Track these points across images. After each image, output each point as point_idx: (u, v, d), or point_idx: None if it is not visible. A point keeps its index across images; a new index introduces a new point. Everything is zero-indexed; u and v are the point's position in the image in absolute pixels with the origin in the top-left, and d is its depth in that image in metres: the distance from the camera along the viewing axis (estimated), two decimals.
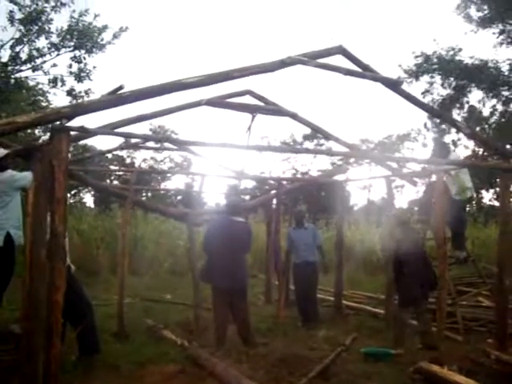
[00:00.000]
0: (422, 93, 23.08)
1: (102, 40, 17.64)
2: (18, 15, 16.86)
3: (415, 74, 22.58)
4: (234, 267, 6.82)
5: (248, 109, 7.35)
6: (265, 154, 39.04)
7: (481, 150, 22.83)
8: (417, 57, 22.30)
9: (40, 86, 18.19)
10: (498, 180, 18.76)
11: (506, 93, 22.18)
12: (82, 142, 19.58)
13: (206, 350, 6.20)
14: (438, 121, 22.72)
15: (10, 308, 7.35)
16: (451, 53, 21.81)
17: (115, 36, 17.80)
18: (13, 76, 17.44)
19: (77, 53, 17.68)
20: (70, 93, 18.02)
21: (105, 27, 17.59)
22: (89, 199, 36.51)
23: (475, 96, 22.87)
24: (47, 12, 16.98)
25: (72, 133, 4.61)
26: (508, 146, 18.78)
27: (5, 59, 17.19)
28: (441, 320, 6.99)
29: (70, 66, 17.87)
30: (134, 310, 8.86)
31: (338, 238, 9.91)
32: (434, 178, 8.27)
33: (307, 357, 6.08)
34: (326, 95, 65.35)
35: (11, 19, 16.80)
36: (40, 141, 13.69)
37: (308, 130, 33.63)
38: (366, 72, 5.91)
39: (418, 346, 6.84)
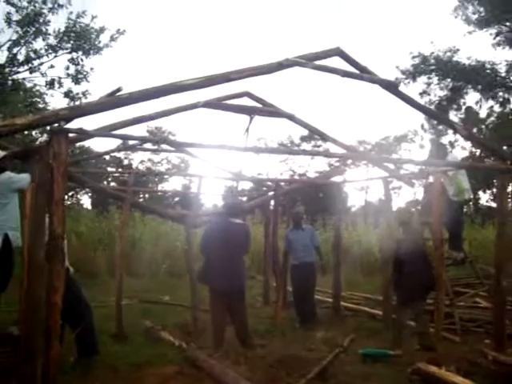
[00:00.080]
0: (420, 93, 23.16)
1: (100, 42, 17.65)
2: (16, 17, 16.90)
3: (412, 74, 22.64)
4: (232, 269, 6.82)
5: (246, 111, 7.37)
6: (262, 156, 39.05)
7: (478, 151, 22.92)
8: (414, 57, 22.36)
9: (37, 88, 18.20)
10: (494, 181, 18.79)
11: (502, 94, 22.26)
12: (78, 144, 19.57)
13: (204, 351, 6.21)
14: (435, 122, 22.76)
15: (8, 310, 7.35)
16: (448, 54, 21.87)
17: (112, 38, 17.81)
18: (10, 78, 17.44)
19: (74, 55, 17.70)
20: (67, 94, 18.02)
21: (102, 29, 17.61)
22: (86, 201, 36.48)
23: (472, 97, 22.94)
24: (44, 14, 16.99)
25: (70, 135, 4.61)
26: (505, 147, 18.83)
27: (2, 61, 17.25)
28: (438, 321, 7.00)
29: (68, 68, 17.90)
30: (132, 312, 8.86)
31: (335, 239, 9.92)
32: (431, 179, 8.30)
33: (305, 358, 6.10)
34: (324, 97, 65.42)
35: (8, 21, 16.82)
36: (37, 142, 13.74)
37: (305, 132, 33.61)
38: (364, 74, 5.92)
39: (415, 347, 6.85)
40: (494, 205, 24.19)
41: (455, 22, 22.55)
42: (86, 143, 22.40)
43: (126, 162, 40.62)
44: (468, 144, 23.85)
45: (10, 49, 17.22)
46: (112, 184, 31.04)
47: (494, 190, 23.93)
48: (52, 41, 17.46)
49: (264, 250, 10.84)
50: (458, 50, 21.87)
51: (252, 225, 14.53)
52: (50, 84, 17.90)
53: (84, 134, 4.98)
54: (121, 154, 39.00)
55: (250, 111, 7.42)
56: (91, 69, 18.06)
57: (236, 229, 7.02)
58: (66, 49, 17.63)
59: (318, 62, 5.59)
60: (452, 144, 24.54)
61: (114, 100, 4.80)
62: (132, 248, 14.36)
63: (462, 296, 9.24)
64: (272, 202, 10.42)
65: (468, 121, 22.26)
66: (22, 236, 6.10)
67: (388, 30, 68.81)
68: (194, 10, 71.37)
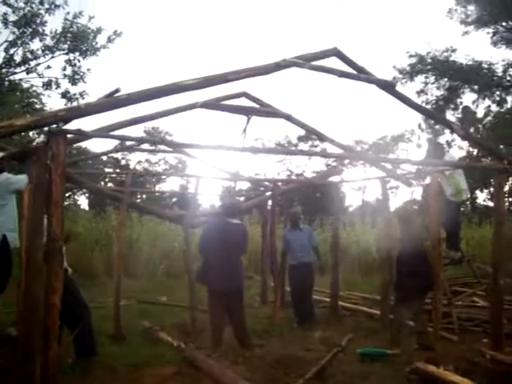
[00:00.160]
0: (417, 92, 23.19)
1: (97, 44, 17.64)
2: (12, 17, 16.87)
3: (410, 74, 22.67)
4: (230, 269, 6.83)
5: (243, 111, 7.38)
6: (260, 156, 39.07)
7: (475, 151, 22.95)
8: (411, 56, 22.38)
9: (34, 88, 18.19)
10: (491, 180, 18.83)
11: (499, 93, 22.30)
12: (76, 145, 19.55)
13: (203, 351, 6.21)
14: (432, 122, 22.79)
15: (6, 311, 7.35)
16: (445, 54, 21.91)
17: (110, 40, 17.79)
18: (7, 78, 17.42)
19: (71, 56, 17.69)
20: (64, 95, 18.00)
21: (99, 30, 17.59)
22: (83, 201, 36.46)
23: (469, 97, 22.99)
24: (41, 14, 16.97)
25: (68, 135, 4.62)
26: (501, 146, 18.88)
27: None
28: (436, 320, 7.02)
29: (64, 69, 17.88)
30: (130, 313, 8.86)
31: (333, 239, 9.92)
32: (428, 179, 8.32)
33: (303, 358, 6.10)
34: (321, 97, 65.42)
35: (5, 21, 16.81)
36: (34, 143, 13.71)
37: (303, 132, 33.63)
38: (361, 74, 5.94)
39: (414, 347, 6.86)
40: (491, 204, 24.27)
41: (451, 22, 22.44)
42: (83, 144, 22.35)
43: (123, 162, 40.60)
44: (465, 144, 23.90)
45: (6, 49, 17.20)
46: (109, 185, 31.06)
47: (491, 189, 24.02)
48: (49, 42, 17.46)
49: (262, 250, 10.86)
50: (454, 49, 21.92)
51: (249, 225, 14.55)
52: (47, 85, 17.88)
53: (82, 135, 4.98)
54: (118, 155, 38.99)
55: (247, 111, 7.43)
56: (88, 69, 18.06)
57: (234, 229, 7.02)
58: (63, 50, 17.61)
59: (315, 63, 5.60)
60: (449, 144, 24.58)
61: (112, 101, 4.81)
62: (129, 249, 14.35)
63: (459, 295, 9.26)
64: (269, 202, 10.43)
65: (465, 120, 22.28)
66: (19, 237, 6.09)
67: (385, 30, 68.87)
68: (191, 10, 71.42)
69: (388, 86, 6.10)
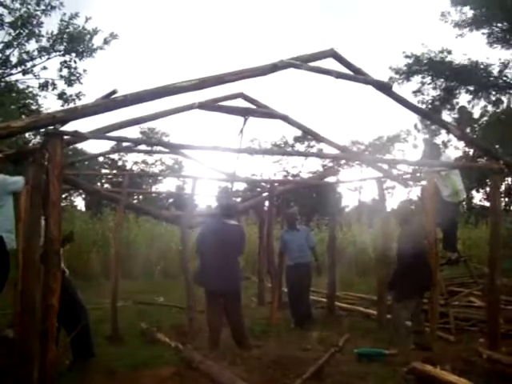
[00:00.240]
0: (413, 92, 23.20)
1: (93, 45, 17.61)
2: (8, 19, 16.83)
3: (406, 74, 22.68)
4: (227, 270, 6.84)
5: (240, 112, 7.38)
6: (256, 157, 39.09)
7: (471, 151, 22.99)
8: (407, 57, 22.39)
9: (30, 89, 18.15)
10: (488, 180, 18.87)
11: (495, 94, 22.34)
12: (72, 146, 19.53)
13: (201, 352, 6.21)
14: (428, 122, 22.82)
15: (3, 312, 7.34)
16: (441, 55, 21.94)
17: (106, 41, 17.77)
18: (3, 79, 17.38)
19: (67, 57, 17.66)
20: (61, 96, 17.96)
21: (95, 31, 17.56)
22: (80, 202, 36.42)
23: (465, 97, 23.02)
24: (38, 15, 16.94)
25: (65, 137, 4.62)
26: (497, 146, 18.92)
27: None
28: (433, 320, 7.05)
29: (61, 70, 17.85)
30: (127, 314, 8.86)
31: (330, 239, 9.95)
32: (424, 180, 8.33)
33: (301, 358, 6.11)
34: (317, 97, 65.45)
35: (1, 22, 16.76)
36: (30, 144, 13.69)
37: (299, 132, 33.66)
38: (357, 75, 5.95)
39: (411, 347, 6.87)
40: (487, 204, 24.30)
41: (446, 25, 22.37)
42: (79, 145, 22.33)
43: (119, 163, 40.57)
44: (461, 144, 23.93)
45: (2, 51, 17.16)
46: (106, 185, 31.04)
47: (487, 189, 24.04)
48: (45, 43, 17.43)
49: (259, 250, 10.87)
50: (450, 51, 21.94)
51: (246, 226, 14.57)
52: (44, 86, 17.85)
53: (79, 137, 4.98)
54: (115, 156, 38.95)
55: (244, 112, 7.44)
56: (84, 70, 18.03)
57: (230, 230, 7.03)
58: (59, 51, 17.58)
59: (312, 64, 5.61)
60: (445, 144, 24.60)
61: (109, 102, 4.81)
62: (126, 250, 14.34)
63: (456, 295, 9.29)
64: (266, 203, 10.44)
65: (461, 121, 22.32)
66: (16, 238, 6.08)
67: (381, 31, 68.98)
68: (188, 11, 71.38)
69: (384, 87, 6.11)
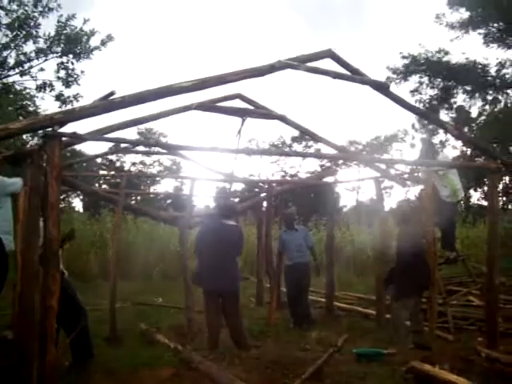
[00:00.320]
0: (411, 91, 23.23)
1: (90, 46, 17.60)
2: (5, 20, 16.83)
3: (403, 74, 22.71)
4: (225, 270, 6.84)
5: (238, 113, 7.39)
6: (254, 157, 39.10)
7: (469, 150, 23.02)
8: (404, 57, 22.42)
9: (28, 91, 18.14)
10: (485, 179, 18.89)
11: (492, 93, 22.37)
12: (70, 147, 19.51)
13: (200, 353, 6.22)
14: (426, 122, 22.85)
15: (2, 313, 7.33)
16: (438, 55, 21.97)
17: (103, 43, 17.77)
18: (0, 81, 17.37)
19: (64, 59, 17.66)
20: (58, 98, 17.95)
21: (93, 32, 17.55)
22: (78, 203, 36.41)
23: (463, 97, 23.03)
24: (35, 17, 16.93)
25: (63, 138, 4.62)
26: (494, 145, 18.96)
27: None
28: (432, 319, 7.05)
29: (58, 71, 17.84)
30: (126, 315, 8.85)
31: (328, 239, 9.96)
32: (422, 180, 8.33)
33: (300, 358, 6.13)
34: (315, 98, 65.48)
35: None
36: (28, 145, 13.68)
37: (297, 133, 33.68)
38: (355, 75, 5.96)
39: (410, 346, 6.88)
40: (485, 203, 24.35)
41: (441, 27, 22.37)
42: (77, 146, 22.31)
43: (117, 164, 40.56)
44: (459, 143, 23.95)
45: None
46: (103, 186, 31.02)
47: (485, 188, 24.08)
48: (42, 45, 17.43)
49: (257, 251, 10.88)
50: (447, 52, 21.98)
51: (245, 226, 14.57)
52: (41, 87, 17.84)
53: (78, 138, 4.98)
54: (112, 156, 38.94)
55: (242, 113, 7.45)
56: (82, 72, 18.04)
57: (229, 230, 7.04)
58: (57, 52, 17.57)
59: (309, 64, 5.62)
60: (443, 143, 24.64)
61: (107, 104, 4.81)
62: (125, 251, 14.32)
63: (454, 294, 9.30)
64: (264, 203, 10.44)
65: (459, 120, 22.36)
66: (14, 240, 6.08)
67: (379, 31, 69.05)
68: (185, 12, 71.39)
69: (382, 88, 6.13)
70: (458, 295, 9.33)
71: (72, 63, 17.73)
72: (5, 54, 17.24)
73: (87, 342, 5.85)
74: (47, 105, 47.10)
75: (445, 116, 23.33)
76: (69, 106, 16.96)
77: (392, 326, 7.40)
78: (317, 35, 61.57)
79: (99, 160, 34.93)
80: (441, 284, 8.03)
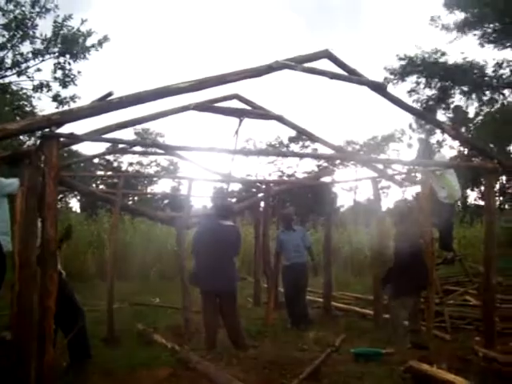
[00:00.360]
0: (408, 91, 23.26)
1: (86, 47, 17.56)
2: (2, 20, 16.79)
3: (401, 74, 22.74)
4: (223, 270, 6.85)
5: (235, 113, 7.39)
6: (251, 157, 39.12)
7: (466, 150, 23.08)
8: (401, 59, 22.45)
9: (24, 91, 18.10)
10: (482, 179, 18.95)
11: (489, 93, 22.43)
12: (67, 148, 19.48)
13: (197, 353, 6.22)
14: (423, 122, 22.89)
15: (0, 314, 7.32)
16: (434, 56, 22.01)
17: (99, 43, 17.73)
18: None
19: (61, 59, 17.62)
20: (55, 98, 17.91)
21: (90, 33, 17.51)
22: (75, 204, 36.37)
23: (460, 97, 23.08)
24: (32, 17, 16.89)
25: (61, 139, 4.61)
26: (491, 145, 19.01)
27: None
28: (429, 319, 7.06)
29: (55, 72, 17.80)
30: (124, 315, 8.84)
31: (325, 239, 9.97)
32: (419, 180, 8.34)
33: (298, 358, 6.13)
34: (312, 98, 65.52)
35: None
36: (25, 146, 13.66)
37: (294, 133, 33.68)
38: (352, 75, 5.97)
39: (407, 346, 6.89)
40: (482, 203, 24.40)
41: (436, 29, 22.38)
42: (75, 146, 22.29)
43: (114, 164, 40.51)
44: (456, 143, 24.02)
45: None
46: (101, 187, 30.99)
47: (482, 188, 24.15)
48: (39, 45, 17.38)
49: (254, 251, 10.88)
50: (444, 53, 22.01)
51: (242, 226, 14.58)
52: (38, 88, 17.80)
53: (75, 139, 4.98)
54: (110, 157, 38.90)
55: (239, 113, 7.45)
56: (79, 72, 17.99)
57: (226, 230, 7.04)
58: (54, 53, 17.54)
59: (306, 65, 5.62)
60: (440, 143, 24.70)
61: (105, 104, 4.80)
62: (122, 251, 14.32)
63: (451, 294, 9.32)
64: (262, 204, 10.45)
65: (456, 120, 22.42)
66: (12, 240, 6.07)
67: (376, 32, 69.11)
68: (183, 13, 71.34)
69: (379, 88, 6.13)
70: (455, 295, 9.36)
71: (69, 64, 17.67)
72: (1, 54, 17.18)
73: (85, 343, 5.85)
74: (44, 105, 47.05)
75: (442, 116, 23.41)
76: (66, 107, 16.91)
77: (391, 325, 7.41)
78: (314, 36, 61.72)
79: (96, 160, 34.83)
80: (438, 284, 8.04)
